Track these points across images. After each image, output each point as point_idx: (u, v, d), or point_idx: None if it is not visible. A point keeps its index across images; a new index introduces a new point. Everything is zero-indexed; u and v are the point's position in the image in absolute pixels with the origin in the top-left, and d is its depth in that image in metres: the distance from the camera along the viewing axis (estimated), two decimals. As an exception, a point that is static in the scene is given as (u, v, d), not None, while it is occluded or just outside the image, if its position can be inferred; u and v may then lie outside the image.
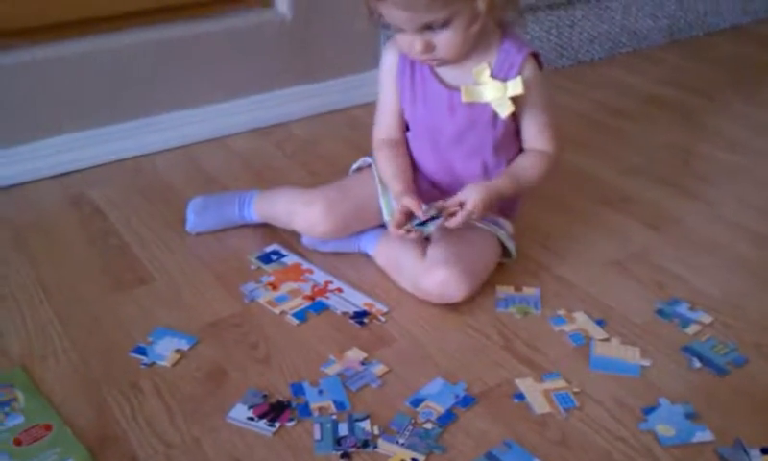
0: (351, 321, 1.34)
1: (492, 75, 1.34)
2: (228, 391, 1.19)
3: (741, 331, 1.32)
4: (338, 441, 1.10)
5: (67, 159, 1.81)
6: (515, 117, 1.38)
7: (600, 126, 2.08)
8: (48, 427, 1.12)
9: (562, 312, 1.36)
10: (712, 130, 2.06)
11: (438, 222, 1.32)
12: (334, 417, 1.14)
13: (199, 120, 1.96)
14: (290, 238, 1.54)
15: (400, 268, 1.41)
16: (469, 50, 1.35)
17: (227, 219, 1.57)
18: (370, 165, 1.50)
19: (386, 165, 1.44)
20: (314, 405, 1.16)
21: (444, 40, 1.30)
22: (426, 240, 1.44)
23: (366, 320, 1.34)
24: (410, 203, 1.34)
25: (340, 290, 1.41)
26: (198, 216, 1.56)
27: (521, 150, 1.44)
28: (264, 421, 1.13)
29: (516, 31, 1.40)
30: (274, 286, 1.42)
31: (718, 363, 1.25)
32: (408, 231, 1.34)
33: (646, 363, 1.25)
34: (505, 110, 1.34)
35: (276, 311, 1.36)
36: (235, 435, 1.11)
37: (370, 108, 2.12)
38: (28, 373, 1.22)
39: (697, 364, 1.25)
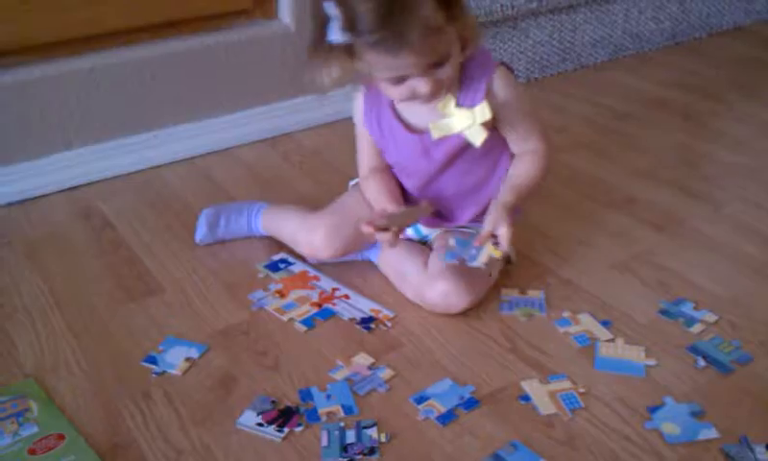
0: (358, 326, 1.36)
1: (459, 104, 1.28)
2: (237, 398, 1.21)
3: (746, 330, 1.33)
4: (345, 448, 1.11)
5: (77, 174, 1.84)
6: (495, 128, 1.35)
7: (604, 129, 2.09)
8: (61, 437, 1.14)
9: (566, 314, 1.37)
10: (717, 131, 2.06)
11: (479, 250, 1.31)
12: (342, 424, 1.15)
13: (206, 132, 1.98)
14: (297, 246, 1.56)
15: (404, 278, 1.43)
16: None
17: (235, 232, 1.59)
18: None
19: (375, 191, 1.43)
20: (322, 410, 1.17)
21: (446, 73, 1.26)
22: (429, 248, 1.45)
23: (373, 325, 1.36)
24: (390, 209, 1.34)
25: (347, 296, 1.43)
26: (210, 228, 1.58)
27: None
28: (273, 426, 1.15)
29: (476, 48, 1.33)
30: (281, 294, 1.44)
31: (723, 361, 1.26)
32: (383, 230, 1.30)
33: (651, 363, 1.26)
34: (478, 139, 1.27)
35: (284, 318, 1.38)
36: (245, 441, 1.13)
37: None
38: (41, 383, 1.24)
39: (702, 363, 1.26)
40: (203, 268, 1.52)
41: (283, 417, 1.16)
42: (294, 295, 1.43)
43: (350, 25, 1.19)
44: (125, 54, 1.87)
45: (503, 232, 1.27)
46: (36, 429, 1.15)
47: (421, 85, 1.25)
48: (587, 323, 1.35)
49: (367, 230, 1.29)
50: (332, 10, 1.20)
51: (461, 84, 1.32)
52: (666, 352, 1.28)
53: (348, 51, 1.23)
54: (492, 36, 2.27)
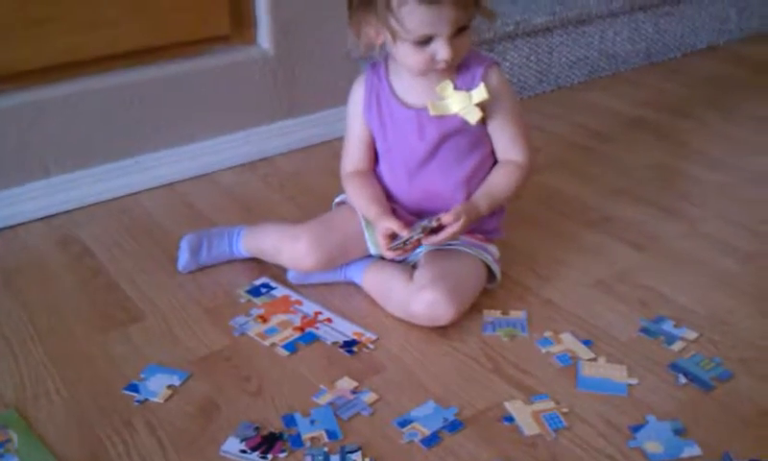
0: (341, 350, 1.35)
1: (456, 88, 1.37)
2: (220, 425, 1.20)
3: (726, 347, 1.34)
4: (330, 471, 1.11)
5: (55, 201, 1.82)
6: (484, 124, 1.41)
7: (581, 149, 2.11)
8: (42, 468, 1.13)
9: (548, 334, 1.38)
10: (692, 149, 2.09)
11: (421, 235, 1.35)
12: (326, 449, 1.14)
13: (185, 158, 1.98)
14: (279, 271, 1.55)
15: (389, 294, 1.43)
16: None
17: (218, 256, 1.59)
18: None
19: (358, 194, 1.46)
20: (306, 436, 1.17)
21: (463, 44, 1.33)
22: (413, 267, 1.46)
23: (355, 349, 1.35)
24: (390, 223, 1.36)
25: (329, 320, 1.43)
26: (192, 255, 1.57)
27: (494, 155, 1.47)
28: (257, 453, 1.14)
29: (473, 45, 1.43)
30: (263, 319, 1.43)
31: (704, 379, 1.27)
32: (398, 250, 1.36)
33: (633, 381, 1.27)
34: (474, 117, 1.36)
35: (267, 343, 1.37)
36: (229, 468, 1.13)
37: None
38: (21, 414, 1.23)
39: (683, 380, 1.27)
40: (183, 294, 1.52)
41: (267, 443, 1.16)
42: (276, 320, 1.43)
43: None
44: (102, 81, 1.87)
45: (454, 228, 1.34)
46: (16, 461, 1.14)
47: (443, 51, 1.30)
48: (568, 342, 1.36)
49: (391, 255, 1.37)
50: None
51: (458, 70, 1.39)
52: (648, 371, 1.29)
53: (386, 6, 1.29)
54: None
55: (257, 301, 1.48)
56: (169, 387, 1.27)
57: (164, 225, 1.76)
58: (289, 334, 1.39)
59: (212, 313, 1.46)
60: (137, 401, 1.25)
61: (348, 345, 1.36)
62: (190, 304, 1.49)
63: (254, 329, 1.41)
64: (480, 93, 1.36)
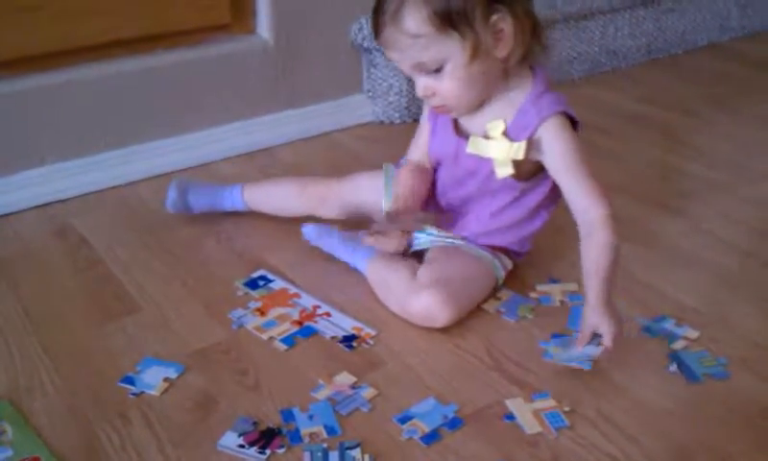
0: (340, 345, 1.34)
1: (507, 132, 1.30)
2: (217, 419, 1.19)
3: (728, 346, 1.33)
4: (329, 468, 1.10)
5: (51, 190, 1.81)
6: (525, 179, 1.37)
7: (582, 144, 2.09)
8: (36, 460, 1.11)
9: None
10: (693, 146, 2.08)
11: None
12: (325, 445, 1.13)
13: (183, 147, 1.96)
14: (277, 263, 1.54)
15: (389, 287, 1.41)
16: (488, 99, 1.32)
17: (206, 204, 1.66)
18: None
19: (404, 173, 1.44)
20: (304, 431, 1.15)
21: (441, 87, 1.28)
22: (420, 260, 1.44)
23: (355, 344, 1.34)
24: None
25: (328, 314, 1.41)
26: (180, 195, 1.64)
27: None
28: (255, 448, 1.13)
29: (549, 85, 1.33)
30: (261, 312, 1.42)
31: (697, 373, 1.26)
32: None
33: (596, 351, 1.25)
34: (503, 172, 1.31)
35: (265, 337, 1.36)
36: (226, 463, 1.11)
37: (354, 131, 2.16)
38: (15, 405, 1.21)
39: (673, 368, 1.28)
40: (180, 286, 1.50)
41: (265, 438, 1.14)
42: (274, 313, 1.42)
43: None
44: (100, 69, 1.85)
45: (606, 330, 1.23)
46: (10, 453, 1.12)
47: (417, 86, 1.29)
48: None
49: (369, 241, 1.39)
50: None
51: (516, 113, 1.31)
52: (647, 370, 1.28)
53: None
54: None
55: (255, 293, 1.47)
56: (165, 380, 1.26)
57: (161, 215, 1.74)
58: (287, 328, 1.38)
59: (209, 306, 1.44)
60: (133, 394, 1.23)
61: (348, 339, 1.35)
62: (187, 296, 1.47)
63: (252, 323, 1.39)
64: (517, 151, 1.29)
